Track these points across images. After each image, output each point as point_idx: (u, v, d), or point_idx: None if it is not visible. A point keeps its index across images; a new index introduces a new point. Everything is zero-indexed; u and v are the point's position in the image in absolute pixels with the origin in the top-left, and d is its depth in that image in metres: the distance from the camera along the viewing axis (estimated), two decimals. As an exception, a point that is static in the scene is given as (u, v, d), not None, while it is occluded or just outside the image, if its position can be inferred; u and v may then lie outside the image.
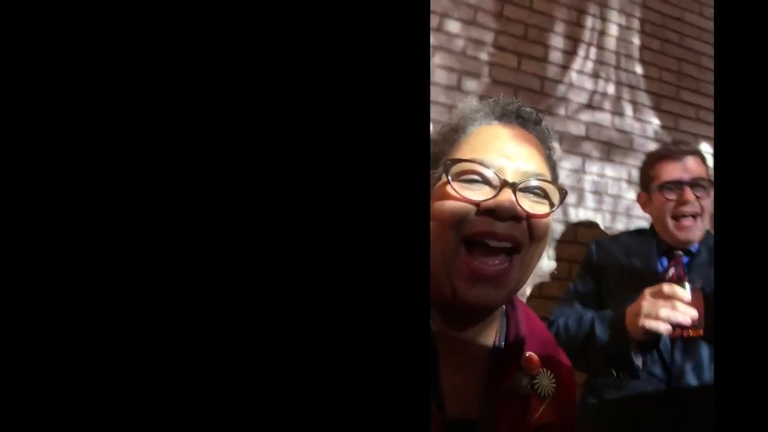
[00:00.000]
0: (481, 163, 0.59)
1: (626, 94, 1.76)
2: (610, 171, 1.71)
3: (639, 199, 1.30)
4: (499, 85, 1.56)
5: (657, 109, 1.82)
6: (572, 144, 1.66)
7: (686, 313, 0.95)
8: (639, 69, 1.78)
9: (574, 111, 1.67)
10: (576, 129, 1.67)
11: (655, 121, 1.82)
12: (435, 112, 1.39)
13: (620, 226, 1.69)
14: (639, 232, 1.31)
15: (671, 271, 1.16)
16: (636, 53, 1.79)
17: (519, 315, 0.67)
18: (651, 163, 1.25)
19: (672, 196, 1.17)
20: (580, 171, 1.66)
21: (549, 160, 0.65)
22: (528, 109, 0.65)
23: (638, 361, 1.06)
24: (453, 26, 1.55)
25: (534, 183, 0.60)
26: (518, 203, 0.57)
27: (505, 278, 0.58)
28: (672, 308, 0.96)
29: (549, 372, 0.64)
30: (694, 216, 1.16)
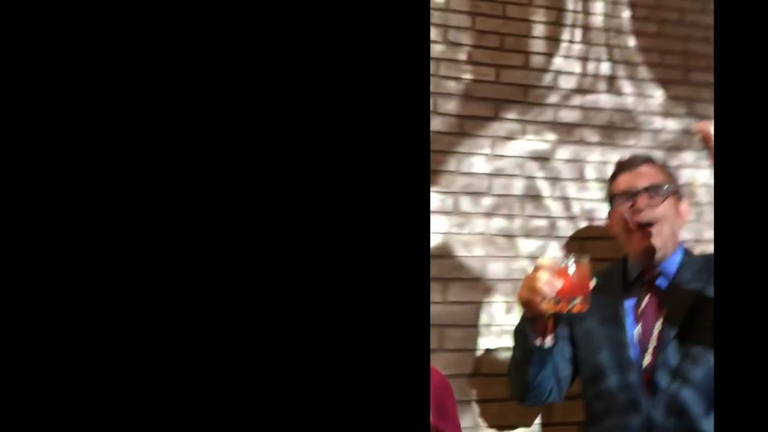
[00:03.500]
0: None
1: (621, 71, 1.65)
2: (614, 156, 1.61)
3: (607, 226, 1.27)
4: (478, 83, 1.49)
5: (659, 81, 1.70)
6: (568, 132, 1.57)
7: (552, 285, 0.95)
8: (632, 42, 1.67)
9: (563, 97, 1.57)
10: (570, 116, 1.57)
11: (658, 94, 1.70)
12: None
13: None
14: (613, 266, 1.24)
15: (645, 300, 1.11)
16: (627, 26, 1.68)
17: None
18: (609, 181, 1.23)
19: (627, 204, 1.13)
20: (580, 160, 1.57)
21: None
22: None
23: (539, 341, 1.05)
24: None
25: None
26: None
27: None
28: (538, 281, 0.96)
29: None
30: (651, 224, 1.10)
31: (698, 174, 1.69)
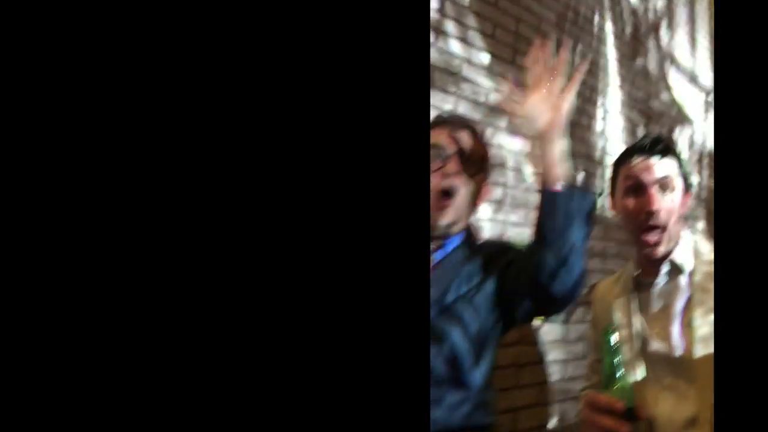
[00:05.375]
0: None
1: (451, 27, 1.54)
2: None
3: None
4: None
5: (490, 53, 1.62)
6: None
7: None
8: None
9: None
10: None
11: (488, 50, 1.61)
12: None
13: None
14: None
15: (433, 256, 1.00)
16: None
17: None
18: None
19: (435, 164, 1.00)
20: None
21: None
22: None
23: None
24: None
25: None
26: None
27: None
28: None
29: None
30: (450, 197, 0.99)
31: (508, 141, 1.64)
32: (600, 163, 1.97)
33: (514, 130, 1.63)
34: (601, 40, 2.04)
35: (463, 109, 1.54)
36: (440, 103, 1.49)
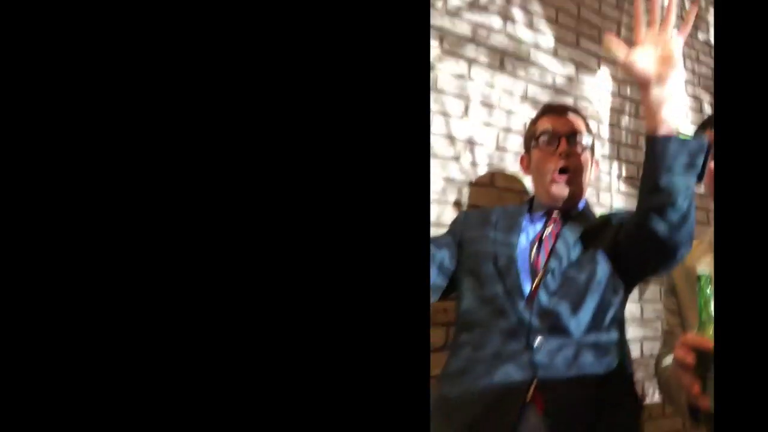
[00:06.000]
0: None
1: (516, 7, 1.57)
2: (500, 80, 1.51)
3: (521, 162, 1.25)
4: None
5: (554, 22, 1.64)
6: (455, 45, 1.44)
7: None
8: (531, -26, 1.59)
9: (455, 8, 1.45)
10: (460, 28, 1.45)
11: (552, 34, 1.63)
12: None
13: (514, 145, 1.49)
14: (517, 207, 1.22)
15: (549, 229, 1.10)
16: (527, -43, 1.60)
17: None
18: (533, 121, 1.22)
19: (547, 148, 1.13)
20: (465, 77, 1.44)
21: None
22: None
23: None
24: None
25: None
26: None
27: None
28: None
29: None
30: (566, 170, 1.12)
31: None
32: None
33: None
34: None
35: (532, 92, 1.56)
36: (511, 87, 1.52)
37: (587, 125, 1.18)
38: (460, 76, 1.43)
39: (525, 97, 1.55)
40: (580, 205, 1.16)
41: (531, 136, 1.18)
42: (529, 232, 1.11)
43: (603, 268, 1.03)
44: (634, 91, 1.81)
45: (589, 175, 1.16)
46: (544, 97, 1.58)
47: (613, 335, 1.03)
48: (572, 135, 1.13)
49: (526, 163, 1.22)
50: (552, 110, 1.19)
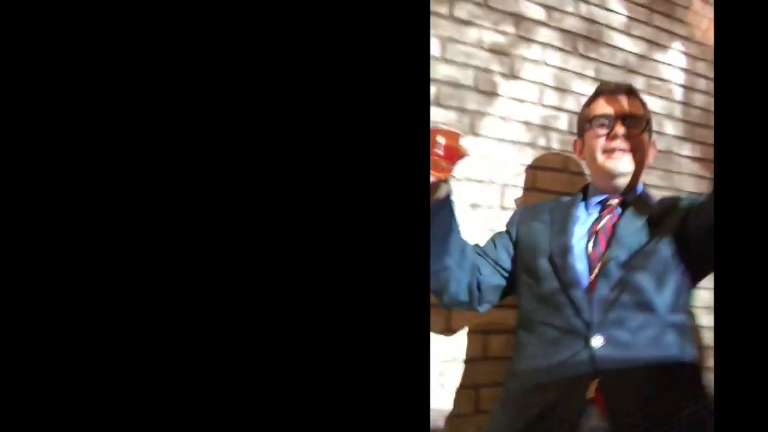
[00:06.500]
0: None
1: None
2: (575, 64, 1.46)
3: (575, 147, 1.21)
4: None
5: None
6: (528, 30, 1.39)
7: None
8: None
9: (528, -11, 1.40)
10: (534, 12, 1.40)
11: (624, 12, 1.57)
12: None
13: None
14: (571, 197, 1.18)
15: (605, 220, 1.06)
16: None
17: None
18: (586, 104, 1.17)
19: (602, 131, 1.08)
20: (540, 62, 1.40)
21: None
22: None
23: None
24: None
25: None
26: None
27: None
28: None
29: None
30: (623, 150, 1.07)
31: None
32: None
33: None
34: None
35: (604, 73, 1.51)
36: (581, 70, 1.47)
37: (644, 105, 1.13)
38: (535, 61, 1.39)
39: (596, 79, 1.50)
40: (638, 188, 1.11)
41: (584, 119, 1.13)
42: (584, 221, 1.09)
43: (671, 252, 0.99)
44: (708, 68, 1.73)
45: (647, 158, 1.11)
46: (615, 77, 1.53)
47: (688, 321, 1.01)
48: (627, 116, 1.08)
49: (579, 147, 1.17)
50: (606, 91, 1.13)
